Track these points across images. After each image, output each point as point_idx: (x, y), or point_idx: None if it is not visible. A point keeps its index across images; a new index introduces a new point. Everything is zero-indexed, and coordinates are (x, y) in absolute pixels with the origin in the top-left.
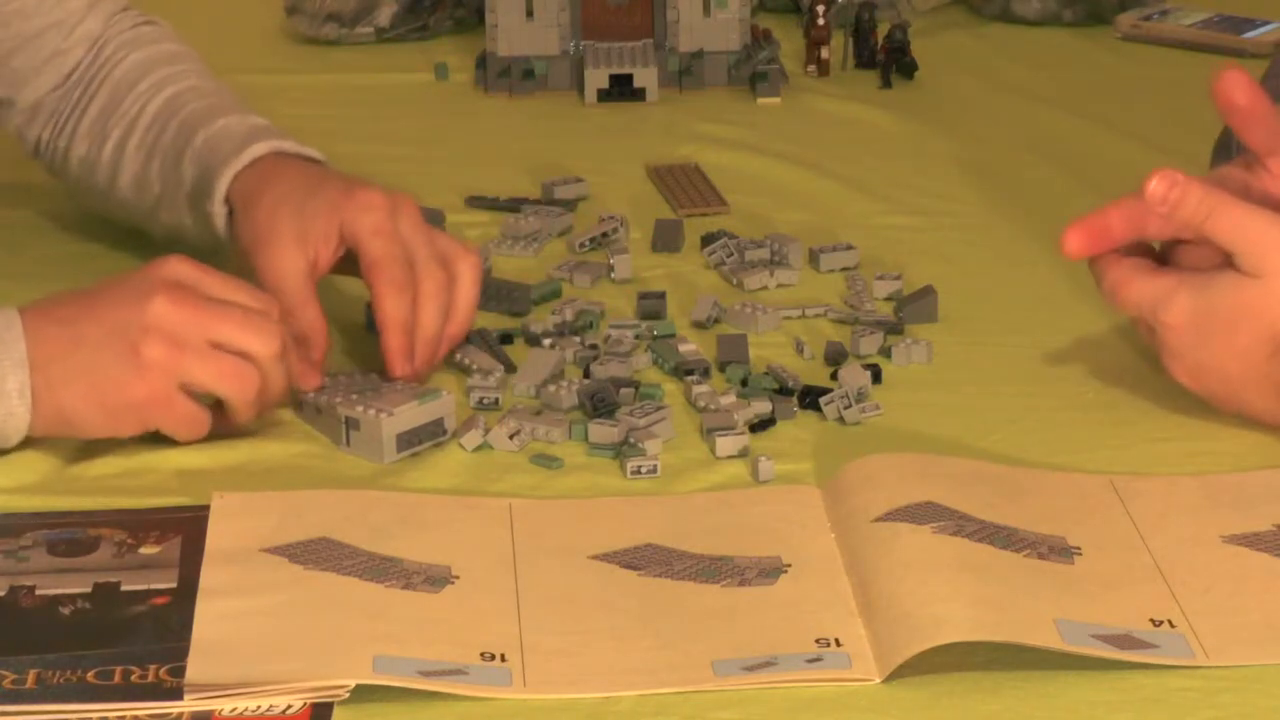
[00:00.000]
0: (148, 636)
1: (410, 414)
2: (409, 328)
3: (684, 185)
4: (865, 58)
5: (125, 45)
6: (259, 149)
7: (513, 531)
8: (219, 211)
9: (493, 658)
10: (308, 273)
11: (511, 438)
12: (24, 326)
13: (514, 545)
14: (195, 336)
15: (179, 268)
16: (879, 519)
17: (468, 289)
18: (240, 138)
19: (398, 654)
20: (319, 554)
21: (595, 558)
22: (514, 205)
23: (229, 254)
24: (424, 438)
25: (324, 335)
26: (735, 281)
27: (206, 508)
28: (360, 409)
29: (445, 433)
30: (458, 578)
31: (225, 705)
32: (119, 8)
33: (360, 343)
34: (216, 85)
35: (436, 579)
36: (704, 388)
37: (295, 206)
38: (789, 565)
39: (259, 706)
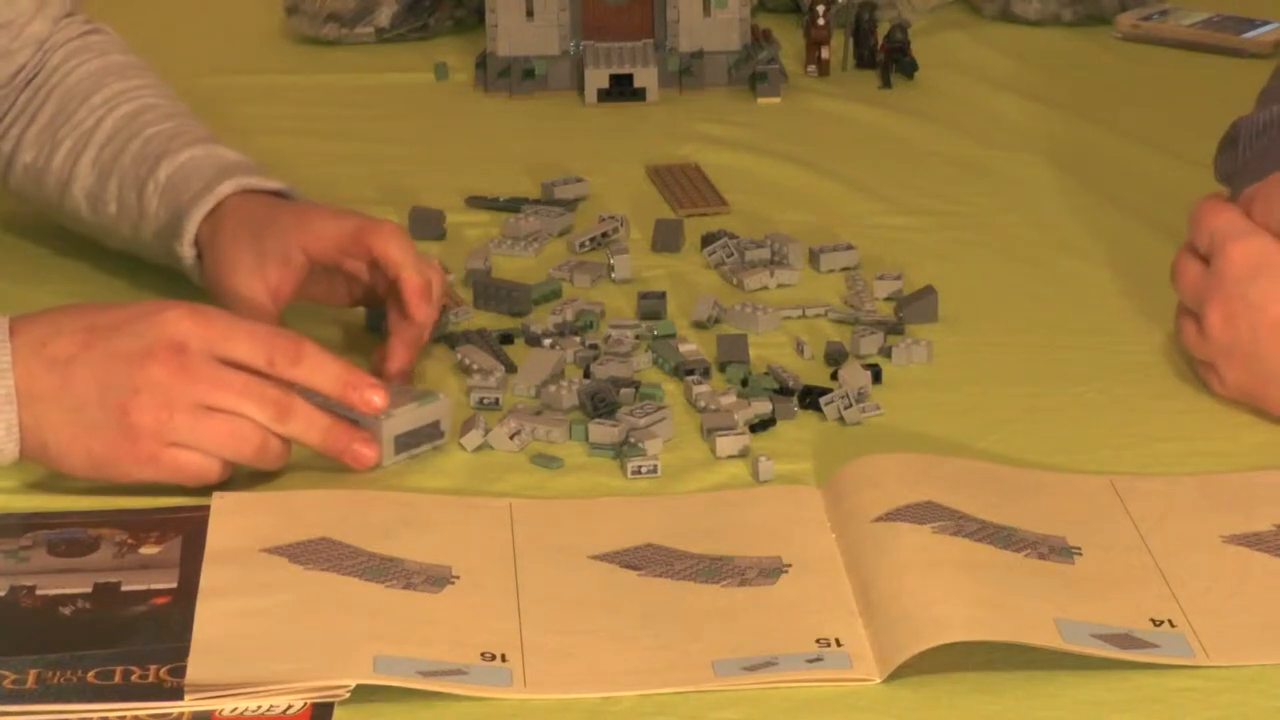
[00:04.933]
0: (148, 636)
1: (409, 415)
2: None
3: (684, 185)
4: (865, 58)
5: (75, 54)
6: (225, 188)
7: (513, 532)
8: (188, 253)
9: (493, 658)
10: (269, 295)
11: (512, 438)
12: (14, 357)
13: (514, 545)
14: (188, 400)
15: (182, 326)
16: (879, 519)
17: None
18: (207, 176)
19: (398, 654)
20: (319, 554)
21: (595, 558)
22: (514, 205)
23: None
24: (422, 440)
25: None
26: (735, 281)
27: (206, 508)
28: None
29: (442, 435)
30: (458, 578)
31: (226, 705)
32: (64, 11)
33: (361, 344)
34: (173, 103)
35: (437, 579)
36: (704, 388)
37: (251, 235)
38: (789, 565)
39: (259, 706)
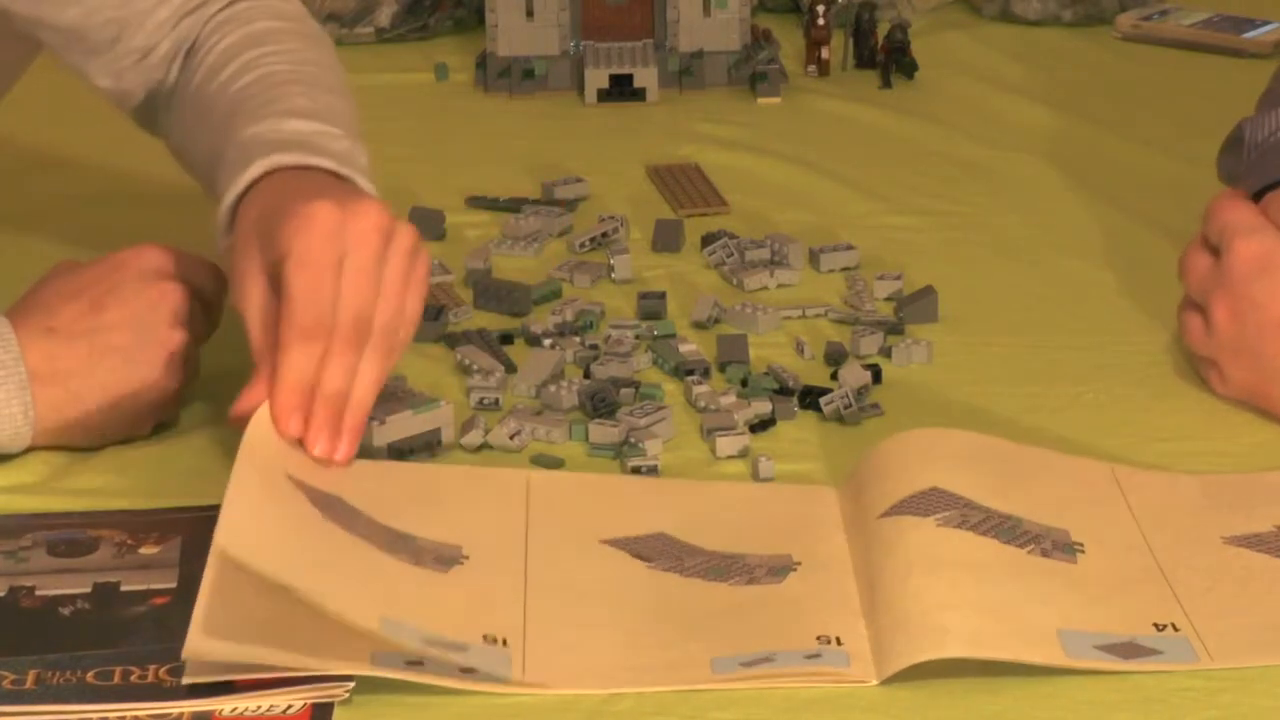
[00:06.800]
0: (148, 637)
1: (404, 423)
2: (307, 386)
3: (684, 185)
4: (865, 58)
5: (220, 27)
6: (254, 171)
7: (528, 508)
8: (224, 244)
9: (494, 640)
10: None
11: (512, 438)
12: (22, 345)
13: (527, 524)
14: (194, 320)
15: (158, 257)
16: (884, 514)
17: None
18: (244, 160)
19: (404, 619)
20: (335, 510)
21: (607, 542)
22: (514, 205)
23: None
24: (418, 448)
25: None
26: (735, 281)
27: (206, 508)
28: None
29: (441, 443)
30: (467, 558)
31: (225, 705)
32: None
33: None
34: (292, 69)
35: (446, 559)
36: (704, 388)
37: (260, 234)
38: (799, 564)
39: (259, 706)
